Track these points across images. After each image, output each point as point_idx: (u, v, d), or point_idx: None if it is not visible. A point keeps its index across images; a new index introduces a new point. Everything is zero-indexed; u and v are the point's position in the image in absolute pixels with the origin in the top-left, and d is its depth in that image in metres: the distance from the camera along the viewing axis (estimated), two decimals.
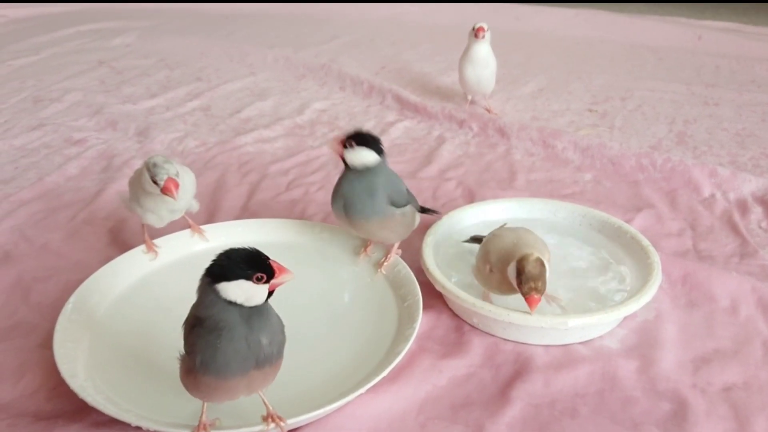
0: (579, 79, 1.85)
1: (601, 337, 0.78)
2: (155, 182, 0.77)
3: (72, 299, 0.76)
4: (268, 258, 0.54)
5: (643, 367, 0.73)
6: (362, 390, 0.63)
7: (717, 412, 0.66)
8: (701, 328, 0.80)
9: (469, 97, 1.56)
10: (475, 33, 1.46)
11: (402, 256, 0.86)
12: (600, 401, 0.68)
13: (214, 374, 0.54)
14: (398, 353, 0.67)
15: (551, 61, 2.04)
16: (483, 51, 1.48)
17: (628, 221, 1.03)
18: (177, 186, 0.77)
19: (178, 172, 0.78)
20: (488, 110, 1.56)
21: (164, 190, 0.77)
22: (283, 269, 0.55)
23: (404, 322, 0.75)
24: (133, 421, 0.58)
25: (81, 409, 0.65)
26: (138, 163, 1.26)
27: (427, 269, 0.81)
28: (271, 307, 0.57)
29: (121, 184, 1.18)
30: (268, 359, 0.56)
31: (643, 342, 0.77)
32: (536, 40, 2.34)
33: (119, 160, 1.28)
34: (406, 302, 0.78)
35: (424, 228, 0.91)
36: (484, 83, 1.51)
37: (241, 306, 0.54)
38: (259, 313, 0.55)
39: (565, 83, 1.81)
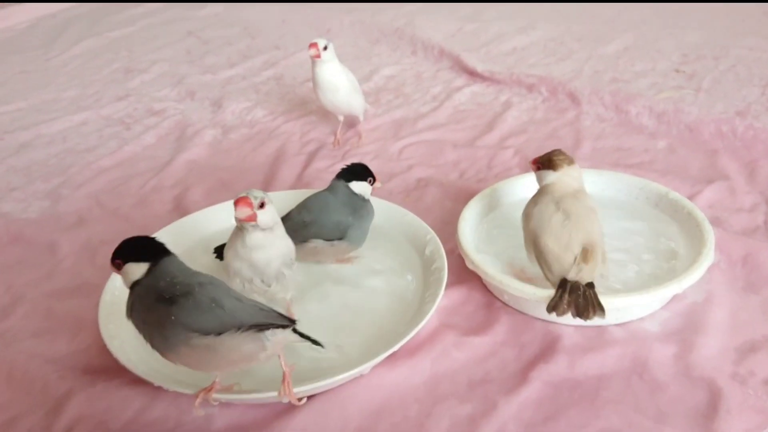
0: (671, 35, 1.71)
1: (641, 319, 0.74)
2: None
3: None
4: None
5: (681, 353, 0.69)
6: (371, 363, 0.64)
7: (753, 405, 0.62)
8: (755, 314, 0.74)
9: (341, 118, 1.24)
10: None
11: (438, 232, 0.85)
12: (625, 387, 0.65)
13: None
14: (413, 328, 0.68)
15: (643, 16, 1.89)
16: (326, 73, 1.16)
17: (696, 194, 0.96)
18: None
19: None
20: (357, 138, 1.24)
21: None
22: None
23: (427, 297, 0.74)
24: (156, 382, 0.63)
25: (123, 367, 0.70)
26: (209, 133, 1.31)
27: (460, 245, 0.80)
28: None
29: (191, 154, 1.24)
30: None
31: (686, 326, 0.73)
32: None
33: (192, 130, 1.35)
34: (432, 276, 0.78)
35: (464, 200, 0.90)
36: (344, 108, 1.20)
37: None
38: None
39: (654, 40, 1.67)
